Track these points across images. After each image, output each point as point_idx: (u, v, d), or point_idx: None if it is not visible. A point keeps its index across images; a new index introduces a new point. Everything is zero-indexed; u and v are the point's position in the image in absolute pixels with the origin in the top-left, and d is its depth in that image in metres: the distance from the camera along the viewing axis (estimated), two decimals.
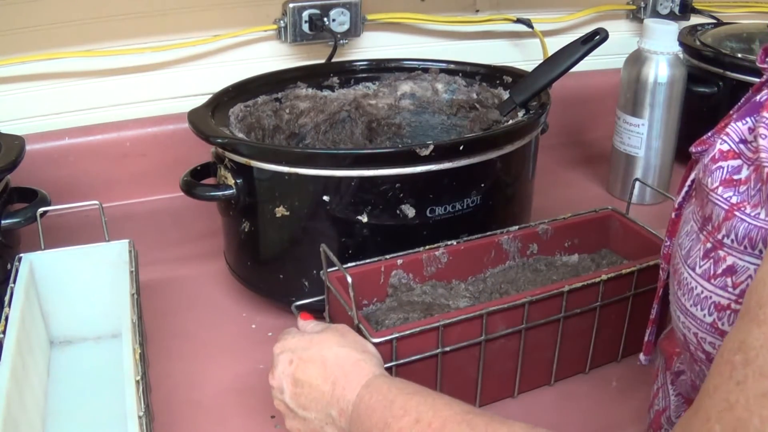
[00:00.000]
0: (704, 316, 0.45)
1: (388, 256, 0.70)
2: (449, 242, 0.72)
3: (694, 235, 0.47)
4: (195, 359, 0.73)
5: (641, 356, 0.61)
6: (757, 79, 0.48)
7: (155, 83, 1.03)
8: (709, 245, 0.45)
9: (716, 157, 0.45)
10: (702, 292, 0.45)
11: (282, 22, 1.04)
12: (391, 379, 0.54)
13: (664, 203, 1.04)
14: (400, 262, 0.70)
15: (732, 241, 0.43)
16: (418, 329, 0.59)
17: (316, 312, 0.67)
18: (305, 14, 1.03)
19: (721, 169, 0.44)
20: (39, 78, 0.97)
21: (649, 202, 1.04)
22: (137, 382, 0.55)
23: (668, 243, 0.54)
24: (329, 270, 0.66)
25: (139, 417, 0.51)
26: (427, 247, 0.71)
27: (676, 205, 0.52)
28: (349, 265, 0.68)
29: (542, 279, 0.73)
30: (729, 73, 1.04)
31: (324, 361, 0.55)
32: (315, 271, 0.71)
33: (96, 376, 0.69)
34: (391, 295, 0.71)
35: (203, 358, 0.73)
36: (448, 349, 0.61)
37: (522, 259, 0.76)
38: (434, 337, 0.60)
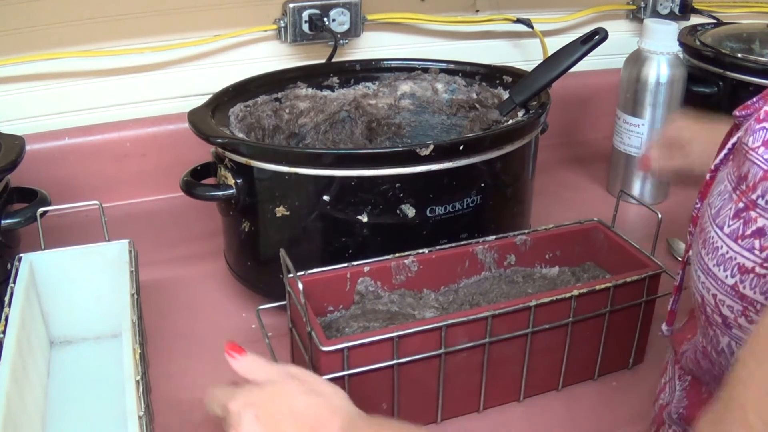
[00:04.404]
0: (726, 277, 0.45)
1: (355, 263, 0.68)
2: (420, 250, 0.70)
3: (727, 194, 0.46)
4: (195, 359, 0.73)
5: (663, 326, 0.59)
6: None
7: (155, 83, 1.03)
8: (741, 204, 0.44)
9: (761, 117, 0.45)
10: (727, 252, 0.45)
11: (282, 22, 1.04)
12: (369, 419, 0.51)
13: (664, 204, 1.04)
14: (366, 269, 0.68)
15: (766, 202, 0.42)
16: (369, 339, 0.57)
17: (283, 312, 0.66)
18: (305, 14, 1.03)
19: (765, 130, 0.44)
20: (39, 78, 0.97)
21: (648, 202, 1.04)
22: (137, 382, 0.55)
23: (698, 205, 0.53)
24: (291, 275, 0.63)
25: (139, 417, 0.51)
26: (397, 255, 0.69)
27: (712, 167, 0.51)
28: (314, 270, 0.67)
29: (517, 291, 0.71)
30: (729, 73, 1.04)
31: (293, 412, 0.52)
32: None
33: (96, 376, 0.69)
34: (357, 302, 0.69)
35: (203, 358, 0.73)
36: (404, 360, 0.59)
37: (499, 270, 0.73)
38: (390, 347, 0.58)
